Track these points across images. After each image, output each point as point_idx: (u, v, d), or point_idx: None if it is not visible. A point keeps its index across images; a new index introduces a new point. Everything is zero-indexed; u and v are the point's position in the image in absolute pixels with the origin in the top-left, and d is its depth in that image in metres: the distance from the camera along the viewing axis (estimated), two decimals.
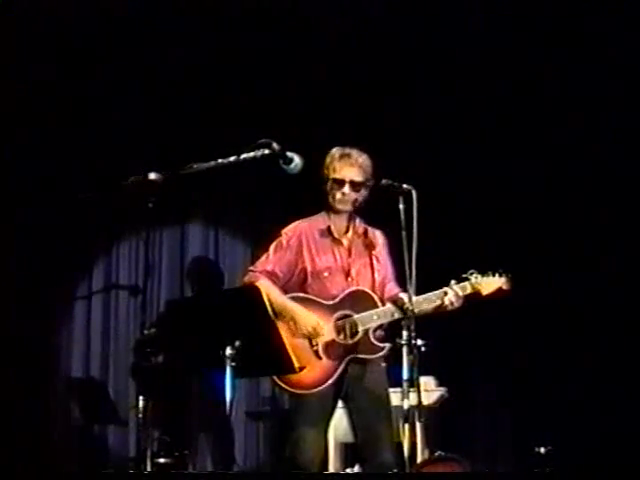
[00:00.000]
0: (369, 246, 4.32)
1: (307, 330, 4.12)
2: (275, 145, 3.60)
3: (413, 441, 3.94)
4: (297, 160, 3.63)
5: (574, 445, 5.46)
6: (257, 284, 4.10)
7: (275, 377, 4.16)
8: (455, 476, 4.43)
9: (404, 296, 4.11)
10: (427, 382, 5.19)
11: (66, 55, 5.90)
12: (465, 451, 5.30)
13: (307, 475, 4.07)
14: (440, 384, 5.43)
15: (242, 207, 6.52)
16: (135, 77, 6.06)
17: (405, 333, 3.92)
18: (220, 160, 3.60)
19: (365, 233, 4.34)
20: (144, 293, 5.76)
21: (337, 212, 4.30)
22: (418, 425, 4.04)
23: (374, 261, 4.30)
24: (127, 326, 6.32)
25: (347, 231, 4.33)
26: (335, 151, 4.31)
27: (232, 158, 3.60)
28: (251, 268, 4.34)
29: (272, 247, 4.32)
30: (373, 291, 4.25)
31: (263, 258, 4.33)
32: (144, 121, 6.20)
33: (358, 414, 4.21)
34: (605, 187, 5.82)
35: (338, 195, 4.25)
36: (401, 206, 3.98)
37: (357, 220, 4.35)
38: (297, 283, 4.27)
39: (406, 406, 3.90)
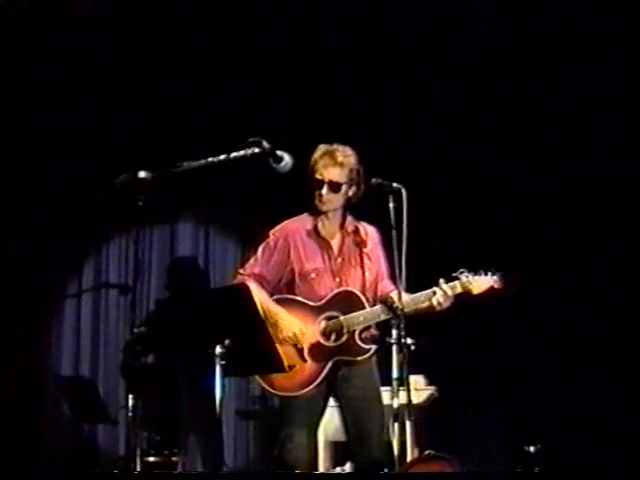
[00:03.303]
0: (360, 244, 4.29)
1: (288, 336, 4.11)
2: (265, 144, 3.61)
3: (403, 440, 3.95)
4: (287, 159, 3.64)
5: (564, 444, 5.48)
6: None
7: (261, 380, 4.17)
8: (450, 476, 4.44)
9: (394, 295, 4.11)
10: (417, 381, 5.20)
11: (59, 54, 5.91)
12: (455, 450, 5.31)
13: (305, 475, 4.09)
14: (430, 383, 5.44)
15: (232, 206, 6.52)
16: (127, 75, 6.06)
17: (395, 332, 3.93)
18: (210, 159, 3.61)
19: (356, 231, 4.31)
20: (134, 292, 5.73)
21: (324, 211, 4.29)
22: (408, 424, 4.05)
23: (365, 259, 4.28)
24: (117, 325, 6.32)
25: (336, 230, 4.31)
26: (319, 149, 4.25)
27: (222, 157, 3.61)
28: (240, 271, 4.34)
29: (260, 249, 4.31)
30: (364, 290, 4.23)
31: (251, 260, 4.32)
32: (134, 119, 6.20)
33: (348, 412, 4.22)
34: (597, 185, 5.85)
35: (317, 196, 4.22)
36: (391, 205, 3.98)
37: (348, 218, 4.33)
38: (285, 284, 4.27)
39: (396, 405, 3.91)
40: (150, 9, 5.64)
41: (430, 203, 5.48)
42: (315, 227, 4.29)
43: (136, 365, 5.39)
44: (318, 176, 4.21)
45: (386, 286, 4.28)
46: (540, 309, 5.88)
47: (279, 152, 3.64)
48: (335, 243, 4.29)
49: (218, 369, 3.58)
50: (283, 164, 3.64)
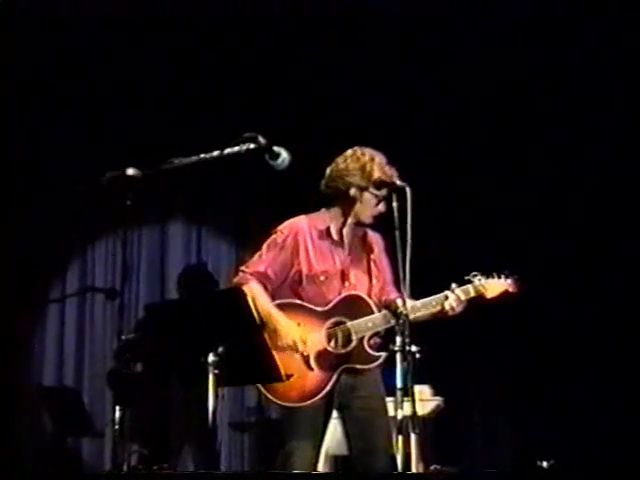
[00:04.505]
0: (367, 250, 4.31)
1: (287, 343, 4.08)
2: (261, 139, 3.59)
3: (407, 453, 3.93)
4: (284, 155, 3.63)
5: (577, 456, 5.51)
6: (246, 287, 4.10)
7: (263, 389, 4.13)
8: (454, 476, 4.46)
9: (399, 301, 4.11)
10: (422, 391, 5.21)
11: (59, 55, 5.96)
12: (462, 465, 5.33)
13: (305, 475, 4.07)
14: (436, 393, 5.45)
15: (226, 205, 6.53)
16: (114, 69, 6.08)
17: (399, 339, 3.89)
18: (203, 155, 3.62)
19: (364, 236, 4.33)
20: (121, 296, 5.76)
21: (358, 222, 4.27)
22: (412, 437, 4.03)
23: (372, 265, 4.29)
24: (103, 331, 6.32)
25: (348, 234, 4.30)
26: (379, 160, 4.22)
27: (215, 153, 3.61)
28: (242, 268, 4.27)
29: (265, 245, 4.26)
30: (370, 297, 4.23)
31: (255, 257, 4.26)
32: (122, 113, 6.21)
33: (352, 423, 4.21)
34: (608, 186, 5.91)
35: (382, 209, 4.19)
36: (394, 204, 3.99)
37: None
38: (290, 285, 4.23)
39: (400, 416, 3.89)
40: (150, 9, 5.70)
41: (433, 203, 5.52)
42: (327, 228, 4.27)
43: (124, 374, 5.39)
44: (385, 193, 4.17)
45: (391, 293, 4.29)
46: (550, 316, 5.91)
47: (276, 148, 3.62)
48: (346, 246, 4.29)
49: (211, 378, 3.59)
50: (280, 161, 3.63)
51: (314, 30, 5.85)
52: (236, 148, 3.60)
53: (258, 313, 3.96)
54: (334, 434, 4.45)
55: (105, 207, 5.90)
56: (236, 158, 3.60)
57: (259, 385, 4.16)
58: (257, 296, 4.09)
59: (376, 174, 4.17)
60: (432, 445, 5.36)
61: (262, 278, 4.20)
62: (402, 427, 3.89)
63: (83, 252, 6.44)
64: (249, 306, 3.59)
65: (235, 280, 4.27)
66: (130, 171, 3.49)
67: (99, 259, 6.42)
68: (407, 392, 3.89)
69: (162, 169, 3.57)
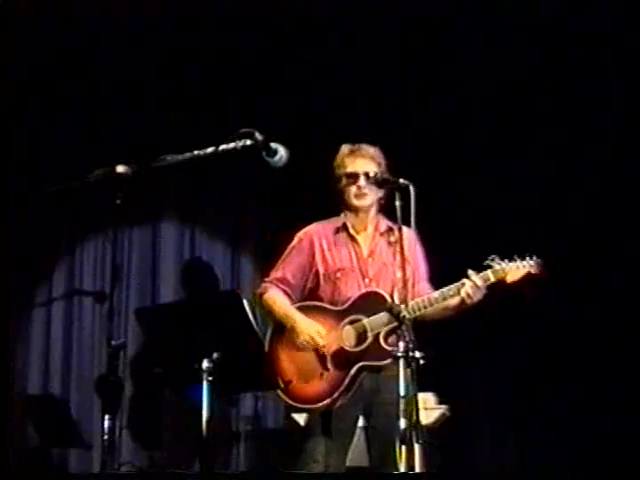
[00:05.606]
0: (394, 244, 4.30)
1: (305, 339, 4.18)
2: (258, 135, 3.60)
3: (411, 465, 3.94)
4: (282, 152, 3.63)
5: (578, 457, 5.53)
6: (266, 295, 4.33)
7: (279, 391, 4.19)
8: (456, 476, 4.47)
9: (417, 300, 4.14)
10: (427, 399, 5.22)
11: (59, 54, 6.01)
12: (469, 476, 5.32)
13: (307, 475, 4.13)
14: (441, 401, 5.45)
15: (221, 204, 6.53)
16: (114, 68, 6.10)
17: (402, 344, 3.90)
18: (197, 151, 3.62)
19: (390, 230, 4.36)
20: (111, 300, 5.74)
21: (355, 210, 4.38)
22: (416, 447, 4.04)
23: (399, 259, 4.32)
24: (91, 336, 6.31)
25: (366, 229, 4.40)
26: (344, 148, 4.41)
27: (210, 149, 3.62)
28: (264, 279, 4.46)
29: (285, 253, 4.44)
30: (394, 292, 4.22)
31: (275, 266, 4.44)
32: (111, 107, 6.21)
33: (374, 433, 4.26)
34: (608, 186, 5.98)
35: (354, 190, 4.33)
36: (397, 203, 4.01)
37: (379, 218, 4.42)
38: (310, 289, 4.37)
39: (403, 426, 3.90)
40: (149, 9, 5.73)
41: (433, 202, 5.54)
42: (344, 224, 4.39)
43: (113, 381, 5.38)
44: (350, 170, 4.34)
45: (423, 290, 4.32)
46: (559, 320, 5.92)
47: (273, 144, 3.63)
48: (365, 242, 4.39)
49: (205, 386, 3.59)
50: (277, 158, 3.64)
51: (314, 30, 5.89)
52: (232, 144, 3.61)
53: (276, 316, 4.24)
54: (355, 444, 4.45)
55: (94, 206, 5.92)
56: (232, 155, 3.61)
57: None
58: (275, 299, 4.31)
59: (344, 159, 4.37)
60: (437, 456, 5.35)
61: (281, 283, 4.38)
62: (405, 437, 3.89)
63: (70, 253, 6.42)
64: (245, 310, 3.60)
65: (257, 291, 4.44)
66: (120, 168, 3.49)
67: (87, 261, 6.41)
68: (410, 400, 3.89)
69: (154, 166, 3.57)
